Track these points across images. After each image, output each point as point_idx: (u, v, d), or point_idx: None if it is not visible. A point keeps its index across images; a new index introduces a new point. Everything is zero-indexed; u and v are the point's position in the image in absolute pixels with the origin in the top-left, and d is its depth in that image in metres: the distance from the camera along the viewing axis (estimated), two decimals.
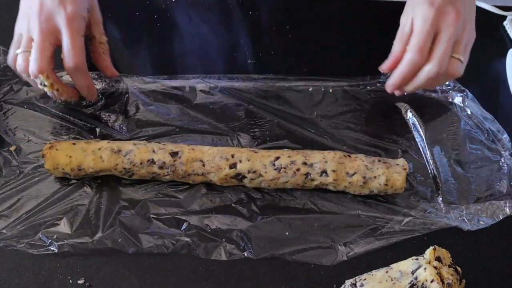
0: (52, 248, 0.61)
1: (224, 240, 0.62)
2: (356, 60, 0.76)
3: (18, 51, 0.59)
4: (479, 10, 0.76)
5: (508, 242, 0.63)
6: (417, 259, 0.57)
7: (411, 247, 0.62)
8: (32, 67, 0.58)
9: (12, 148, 0.67)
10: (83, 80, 0.60)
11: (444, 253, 0.57)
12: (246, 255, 0.61)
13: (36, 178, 0.65)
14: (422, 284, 0.55)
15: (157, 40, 0.77)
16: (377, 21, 0.81)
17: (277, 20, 0.79)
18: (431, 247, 0.57)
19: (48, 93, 0.60)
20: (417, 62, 0.60)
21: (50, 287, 0.59)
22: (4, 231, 0.61)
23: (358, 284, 0.57)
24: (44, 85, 0.58)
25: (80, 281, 0.59)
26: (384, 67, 0.65)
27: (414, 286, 0.55)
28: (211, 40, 0.78)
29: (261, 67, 0.74)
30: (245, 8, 0.79)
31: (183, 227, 0.62)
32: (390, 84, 0.63)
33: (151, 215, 0.63)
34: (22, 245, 0.61)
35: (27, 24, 0.59)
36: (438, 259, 0.56)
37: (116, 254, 0.61)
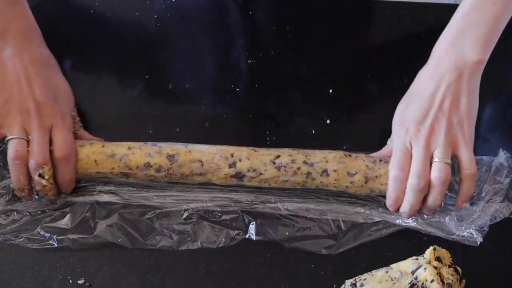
0: (51, 243, 0.61)
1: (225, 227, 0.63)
2: (356, 60, 0.76)
3: (11, 136, 0.61)
4: None
5: (508, 242, 0.63)
6: (417, 259, 0.57)
7: (411, 247, 0.61)
8: (37, 158, 0.60)
9: None
10: (68, 171, 0.62)
11: (444, 253, 0.57)
12: (247, 236, 0.62)
13: None
14: (422, 284, 0.55)
15: (156, 40, 0.77)
16: (378, 21, 0.81)
17: (277, 20, 0.79)
18: (431, 247, 0.57)
19: (37, 187, 0.62)
20: (399, 177, 0.61)
21: (50, 287, 0.59)
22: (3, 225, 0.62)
23: (358, 284, 0.57)
24: (42, 177, 0.60)
25: (80, 281, 0.59)
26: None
27: (414, 286, 0.55)
28: (211, 40, 0.78)
29: (261, 67, 0.74)
30: (245, 8, 0.79)
31: (184, 217, 0.63)
32: (388, 205, 0.64)
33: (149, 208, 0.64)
34: (21, 239, 0.61)
35: (19, 117, 0.61)
36: (438, 259, 0.56)
37: (116, 253, 0.61)
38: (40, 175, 0.60)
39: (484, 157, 0.66)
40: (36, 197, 0.63)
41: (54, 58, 0.68)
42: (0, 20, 0.63)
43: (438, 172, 0.60)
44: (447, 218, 0.63)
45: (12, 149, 0.60)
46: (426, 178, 0.60)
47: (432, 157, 0.61)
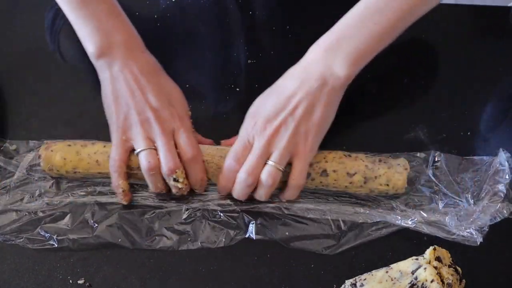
0: (51, 243, 0.61)
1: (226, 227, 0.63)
2: None
3: (140, 149, 0.61)
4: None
5: (508, 242, 0.63)
6: (417, 259, 0.57)
7: (411, 247, 0.61)
8: (169, 164, 0.61)
9: (13, 148, 0.67)
10: (198, 170, 0.62)
11: (444, 253, 0.57)
12: (247, 236, 0.62)
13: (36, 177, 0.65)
14: (422, 284, 0.55)
15: (156, 40, 0.77)
16: None
17: (277, 20, 0.79)
18: (431, 247, 0.57)
19: (173, 190, 0.63)
20: (231, 166, 0.62)
21: (50, 287, 0.59)
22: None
23: (358, 284, 0.57)
24: (177, 181, 0.61)
25: (80, 281, 0.59)
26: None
27: (414, 286, 0.55)
28: (211, 40, 0.78)
29: (261, 67, 0.74)
30: (245, 8, 0.79)
31: (184, 216, 0.63)
32: (218, 190, 0.64)
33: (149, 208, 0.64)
34: (21, 239, 0.61)
35: (140, 128, 0.62)
36: (438, 259, 0.56)
37: (116, 253, 0.61)
38: (175, 180, 0.61)
39: (484, 157, 0.66)
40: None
41: (158, 63, 0.68)
42: (103, 34, 0.64)
43: (267, 175, 0.60)
44: (447, 218, 0.63)
45: (145, 161, 0.61)
46: (256, 176, 0.61)
47: (268, 158, 0.61)
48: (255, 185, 0.61)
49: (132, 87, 0.63)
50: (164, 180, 0.62)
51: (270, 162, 0.61)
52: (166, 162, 0.61)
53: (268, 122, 0.62)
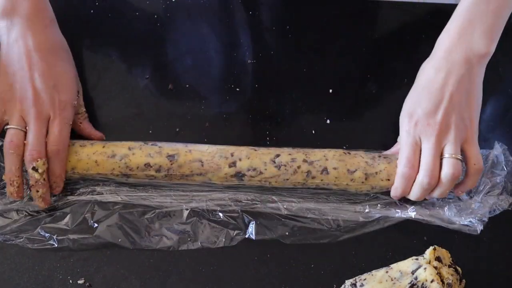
0: (51, 243, 0.61)
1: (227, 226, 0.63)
2: (356, 60, 0.76)
3: (10, 126, 0.60)
4: None
5: (508, 242, 0.63)
6: (417, 259, 0.57)
7: (411, 247, 0.61)
8: (33, 151, 0.59)
9: None
10: (58, 166, 0.61)
11: (444, 253, 0.57)
12: (247, 236, 0.62)
13: None
14: (422, 284, 0.55)
15: (156, 40, 0.77)
16: (377, 21, 0.81)
17: (277, 20, 0.79)
18: (431, 247, 0.57)
19: (30, 182, 0.61)
20: (407, 174, 0.61)
21: (50, 287, 0.59)
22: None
23: (358, 284, 0.57)
24: (36, 171, 0.60)
25: (80, 281, 0.59)
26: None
27: (414, 286, 0.55)
28: (211, 40, 0.77)
29: (262, 67, 0.74)
30: (245, 8, 0.79)
31: (184, 216, 0.63)
32: (392, 196, 0.64)
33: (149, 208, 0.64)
34: (21, 239, 0.61)
35: (19, 106, 0.61)
36: (438, 259, 0.56)
37: (116, 253, 0.61)
38: (34, 168, 0.60)
39: (481, 151, 0.66)
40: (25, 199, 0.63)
41: (64, 44, 0.67)
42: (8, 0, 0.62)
43: (450, 169, 0.60)
44: (445, 209, 0.63)
45: (8, 138, 0.60)
46: (437, 176, 0.60)
47: (442, 153, 0.61)
48: (435, 186, 0.61)
49: (22, 60, 0.62)
50: (21, 168, 0.60)
51: (446, 155, 0.60)
52: (31, 148, 0.60)
53: (430, 118, 0.61)
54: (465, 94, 0.62)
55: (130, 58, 0.75)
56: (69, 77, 0.65)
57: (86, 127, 0.66)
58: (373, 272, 0.58)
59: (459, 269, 0.57)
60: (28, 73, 0.61)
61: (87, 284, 0.59)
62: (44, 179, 0.60)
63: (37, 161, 0.59)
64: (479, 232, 0.61)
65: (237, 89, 0.73)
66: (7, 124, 0.61)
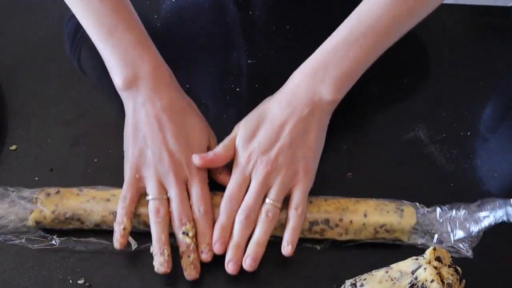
0: (51, 243, 0.61)
1: None
2: None
3: (150, 197, 0.60)
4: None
5: (508, 242, 0.63)
6: (417, 259, 0.57)
7: (411, 247, 0.61)
8: (181, 216, 0.59)
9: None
10: (208, 227, 0.60)
11: (444, 253, 0.57)
12: None
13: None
14: (422, 284, 0.55)
15: (156, 40, 0.77)
16: None
17: (277, 20, 0.79)
18: (431, 247, 0.57)
19: (181, 248, 0.59)
20: (229, 209, 0.60)
21: (50, 287, 0.59)
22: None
23: (358, 284, 0.57)
24: (187, 235, 0.59)
25: (80, 281, 0.59)
26: (197, 158, 0.62)
27: (414, 286, 0.55)
28: (211, 40, 0.78)
29: (261, 67, 0.74)
30: (245, 8, 0.79)
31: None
32: (214, 241, 0.59)
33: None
34: (21, 239, 0.61)
35: (154, 170, 0.60)
36: (438, 259, 0.56)
37: (116, 254, 0.61)
38: (184, 233, 0.59)
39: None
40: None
41: (186, 98, 0.66)
42: (129, 65, 0.62)
43: (265, 214, 0.60)
44: (436, 236, 0.62)
45: (153, 209, 0.59)
46: (256, 213, 0.60)
47: (266, 194, 0.60)
48: (254, 225, 0.60)
49: (152, 122, 0.61)
50: (167, 234, 0.59)
51: (267, 201, 0.60)
52: (178, 213, 0.59)
53: (263, 155, 0.61)
54: (304, 134, 0.62)
55: None
56: (198, 134, 0.64)
57: (224, 177, 0.63)
58: (373, 272, 0.58)
59: (459, 269, 0.57)
60: (160, 135, 0.61)
61: (87, 284, 0.59)
62: (194, 243, 0.59)
63: (186, 225, 0.59)
64: (471, 256, 0.61)
65: (237, 89, 0.73)
66: (145, 193, 0.61)
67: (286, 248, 0.59)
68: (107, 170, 0.66)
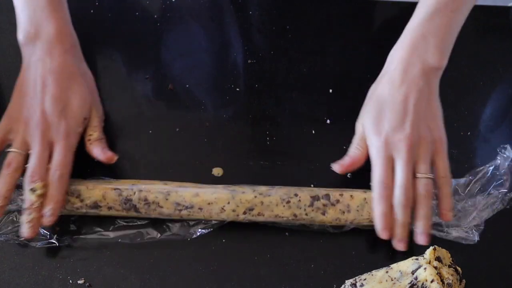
0: (52, 242, 0.61)
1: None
2: (356, 60, 0.76)
3: (11, 149, 0.61)
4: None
5: (508, 242, 0.63)
6: (417, 259, 0.57)
7: (411, 247, 0.61)
8: (33, 173, 0.59)
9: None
10: (58, 192, 0.60)
11: (444, 253, 0.57)
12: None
13: None
14: (422, 284, 0.55)
15: (156, 40, 0.77)
16: (377, 21, 0.81)
17: (277, 20, 0.79)
18: (431, 247, 0.57)
19: (25, 204, 0.59)
20: (384, 194, 0.60)
21: (50, 287, 0.59)
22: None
23: (358, 284, 0.57)
24: (34, 191, 0.59)
25: (80, 281, 0.60)
26: (337, 167, 0.64)
27: (414, 286, 0.55)
28: (211, 40, 0.78)
29: (262, 67, 0.74)
30: (245, 8, 0.79)
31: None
32: (380, 230, 0.61)
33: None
34: (22, 239, 0.61)
35: (24, 127, 0.61)
36: (438, 259, 0.56)
37: (116, 254, 0.61)
38: (32, 189, 0.59)
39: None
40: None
41: (84, 70, 0.67)
42: (32, 24, 0.63)
43: (423, 189, 0.60)
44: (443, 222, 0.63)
45: (7, 160, 0.60)
46: (412, 190, 0.60)
47: (414, 171, 0.61)
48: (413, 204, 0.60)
49: (37, 81, 0.62)
50: (10, 188, 0.59)
51: (419, 175, 0.61)
52: (31, 170, 0.59)
53: (399, 132, 0.61)
54: (427, 104, 0.63)
55: (130, 58, 0.75)
56: (78, 104, 0.63)
57: (95, 149, 0.64)
58: (373, 272, 0.58)
59: (459, 269, 0.57)
60: (40, 95, 0.62)
61: (87, 284, 0.59)
62: (39, 204, 0.59)
63: (37, 183, 0.59)
64: (476, 242, 0.61)
65: (237, 89, 0.73)
66: (10, 144, 0.61)
67: (448, 215, 0.61)
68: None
